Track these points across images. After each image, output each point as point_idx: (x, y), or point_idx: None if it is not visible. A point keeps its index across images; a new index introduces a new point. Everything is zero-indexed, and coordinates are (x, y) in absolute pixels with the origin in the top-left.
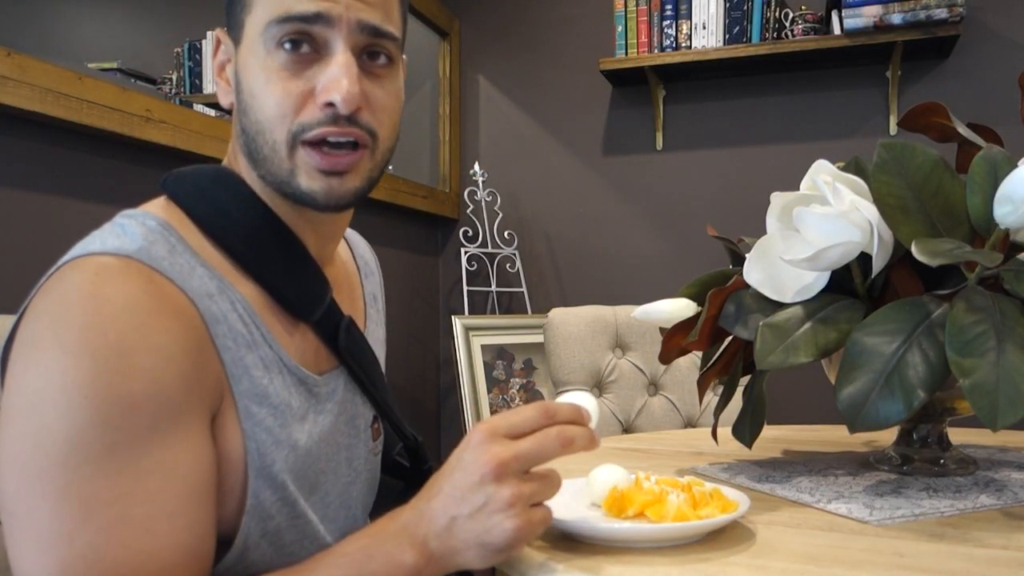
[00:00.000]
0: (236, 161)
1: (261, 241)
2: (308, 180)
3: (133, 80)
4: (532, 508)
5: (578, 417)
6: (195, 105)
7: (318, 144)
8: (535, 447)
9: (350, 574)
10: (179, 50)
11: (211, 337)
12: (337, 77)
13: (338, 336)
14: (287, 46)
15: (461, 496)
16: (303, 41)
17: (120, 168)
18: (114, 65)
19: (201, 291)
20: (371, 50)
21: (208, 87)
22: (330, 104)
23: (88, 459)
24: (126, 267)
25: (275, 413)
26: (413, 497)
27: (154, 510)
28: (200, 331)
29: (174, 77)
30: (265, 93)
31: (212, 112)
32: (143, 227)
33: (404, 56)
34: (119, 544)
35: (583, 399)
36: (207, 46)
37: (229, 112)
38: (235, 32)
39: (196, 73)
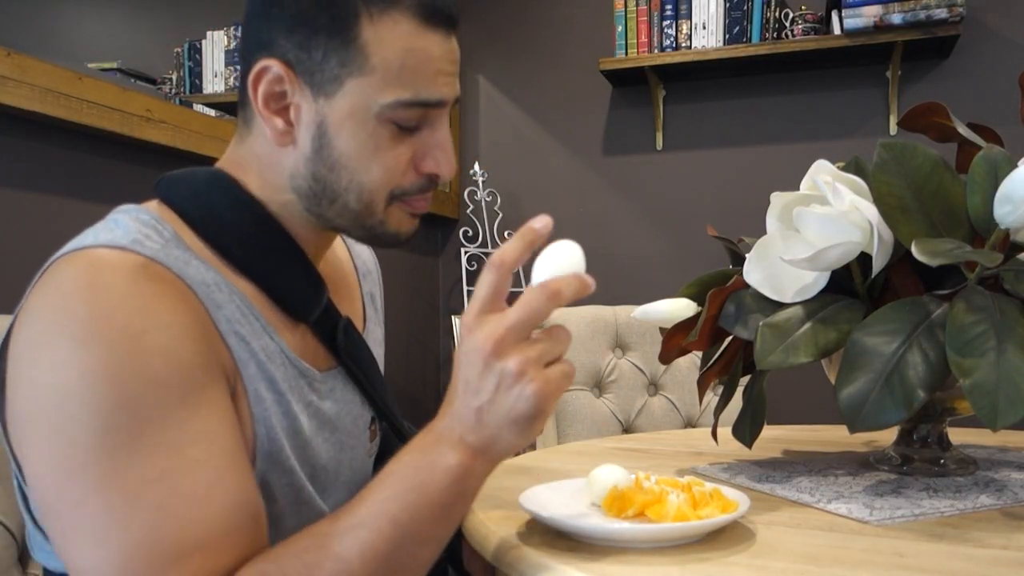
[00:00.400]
0: (240, 170)
1: (256, 243)
2: (397, 225)
3: (133, 80)
4: (548, 367)
5: (526, 246)
6: (195, 105)
7: (401, 198)
8: (523, 311)
9: (402, 490)
10: (179, 50)
11: (214, 322)
12: (444, 152)
13: (336, 337)
14: (401, 125)
15: (475, 387)
16: (418, 120)
17: (120, 168)
18: (114, 65)
19: (198, 279)
20: None
21: (208, 87)
22: (435, 175)
23: (124, 442)
24: (121, 257)
25: (280, 400)
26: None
27: (203, 478)
28: (203, 314)
29: (174, 77)
30: (372, 160)
31: (212, 112)
32: (136, 221)
33: None
34: (176, 518)
35: (563, 247)
36: (207, 46)
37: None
38: (321, 81)
39: (196, 73)
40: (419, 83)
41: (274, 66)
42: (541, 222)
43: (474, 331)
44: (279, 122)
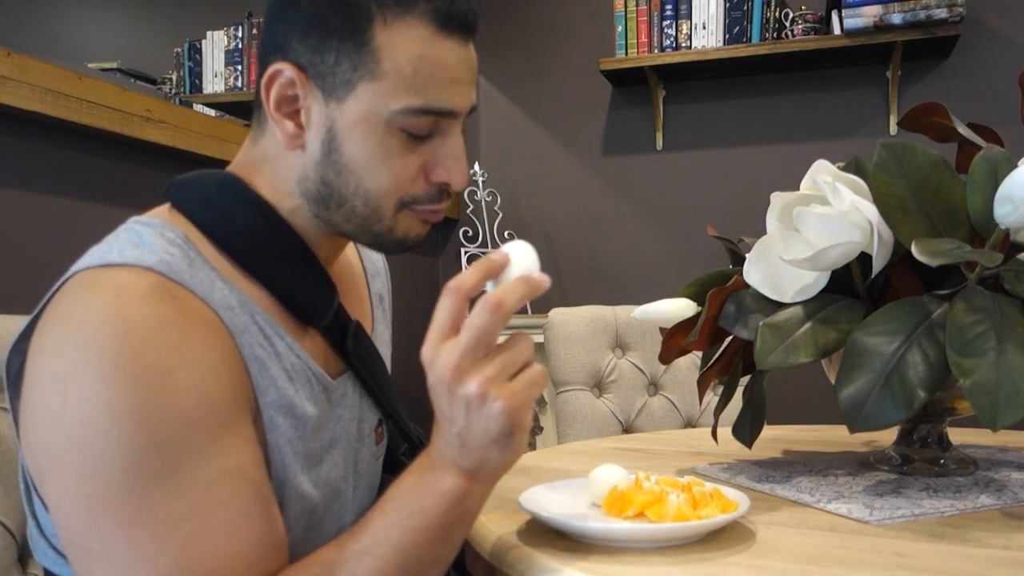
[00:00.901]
0: (252, 173)
1: (268, 247)
2: (405, 231)
3: (133, 80)
4: (513, 379)
5: (487, 271)
6: (195, 105)
7: (412, 206)
8: (471, 332)
9: (404, 515)
10: (179, 50)
11: (238, 348)
12: (456, 162)
13: (346, 341)
14: (412, 133)
15: (449, 416)
16: (430, 129)
17: (120, 168)
18: (114, 65)
19: (223, 304)
20: None
21: (208, 87)
22: (447, 184)
23: (154, 481)
24: (148, 285)
25: (296, 424)
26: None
27: (230, 515)
28: (229, 342)
29: (174, 77)
30: (381, 167)
31: (212, 112)
32: (162, 239)
33: None
34: (204, 555)
35: (512, 249)
36: (207, 46)
37: (292, 148)
38: (333, 85)
39: (196, 73)
40: (431, 91)
41: (286, 69)
42: (500, 255)
43: (434, 362)
44: (290, 125)
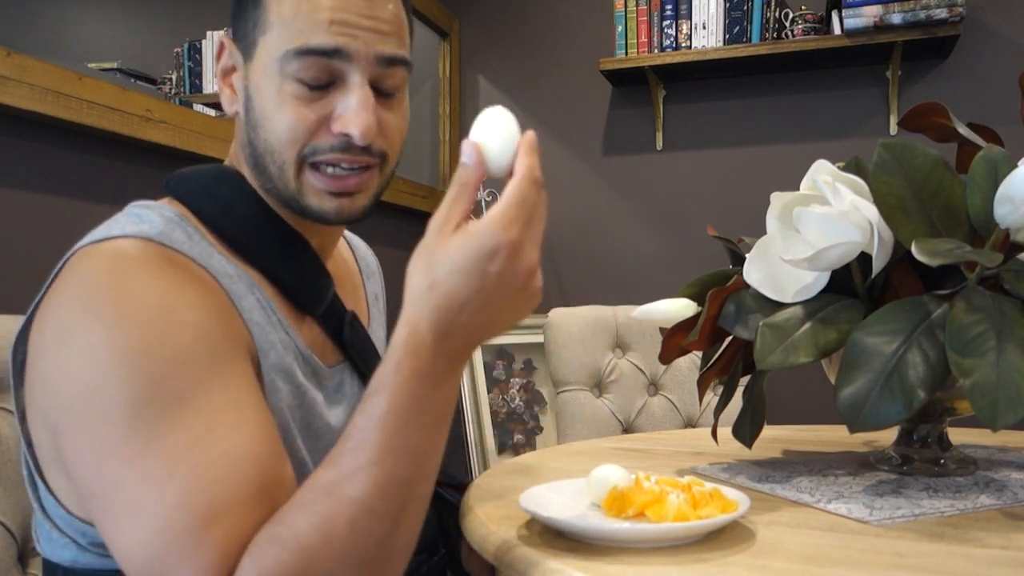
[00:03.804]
0: (240, 163)
1: (266, 236)
2: (318, 200)
3: (133, 80)
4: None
5: (479, 162)
6: (195, 105)
7: (323, 165)
8: (526, 210)
9: (414, 415)
10: (179, 50)
11: (238, 310)
12: (356, 111)
13: (343, 330)
14: (304, 80)
15: (479, 285)
16: (320, 75)
17: (120, 168)
18: (114, 65)
19: (222, 272)
20: (385, 78)
21: (208, 87)
22: (346, 134)
23: (159, 415)
24: (144, 248)
25: (296, 392)
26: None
27: (235, 441)
28: (226, 300)
29: (174, 77)
30: (278, 117)
31: (212, 112)
32: (161, 216)
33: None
34: (210, 481)
35: (497, 114)
36: (207, 46)
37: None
38: (246, 46)
39: (196, 73)
40: (310, 32)
41: (225, 41)
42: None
43: (495, 230)
44: (227, 91)
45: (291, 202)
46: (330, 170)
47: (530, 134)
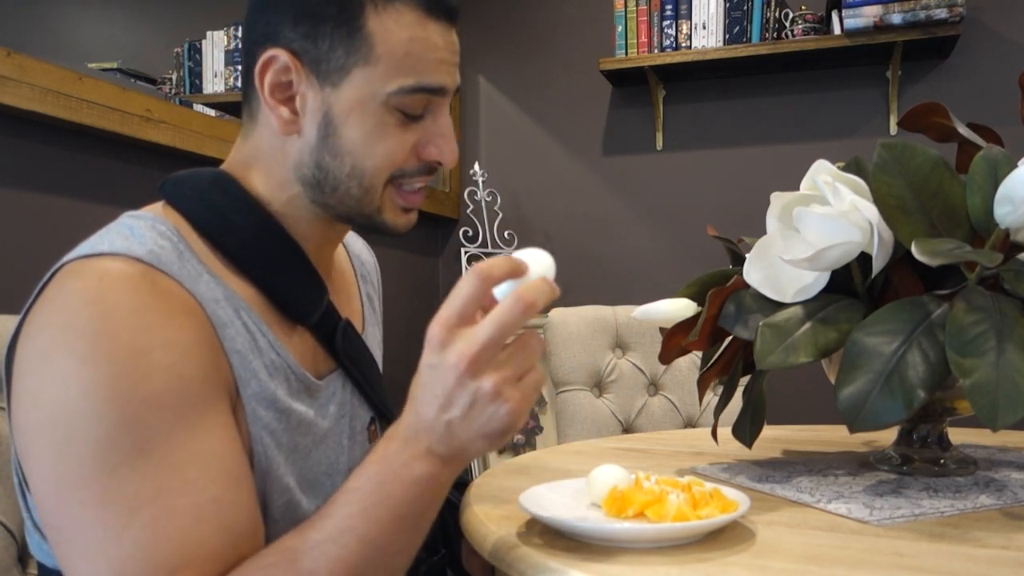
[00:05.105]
0: (245, 170)
1: (259, 245)
2: (393, 216)
3: (133, 80)
4: (520, 382)
5: (515, 269)
6: (195, 105)
7: (404, 183)
8: (496, 329)
9: (369, 505)
10: (179, 50)
11: (220, 339)
12: (446, 140)
13: (335, 339)
14: (407, 111)
15: (446, 402)
16: (420, 107)
17: (120, 168)
18: (114, 65)
19: (208, 296)
20: None
21: (208, 87)
22: (438, 162)
23: (123, 461)
24: (130, 272)
25: (280, 417)
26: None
27: (197, 498)
28: (208, 330)
29: (174, 77)
30: (378, 146)
31: (212, 112)
32: (153, 231)
33: None
34: (167, 537)
35: (533, 255)
36: (207, 46)
37: (286, 134)
38: (328, 71)
39: (196, 73)
40: (423, 71)
41: (281, 55)
42: (526, 256)
43: (447, 346)
44: (285, 111)
45: (360, 218)
46: (404, 187)
47: (554, 286)
